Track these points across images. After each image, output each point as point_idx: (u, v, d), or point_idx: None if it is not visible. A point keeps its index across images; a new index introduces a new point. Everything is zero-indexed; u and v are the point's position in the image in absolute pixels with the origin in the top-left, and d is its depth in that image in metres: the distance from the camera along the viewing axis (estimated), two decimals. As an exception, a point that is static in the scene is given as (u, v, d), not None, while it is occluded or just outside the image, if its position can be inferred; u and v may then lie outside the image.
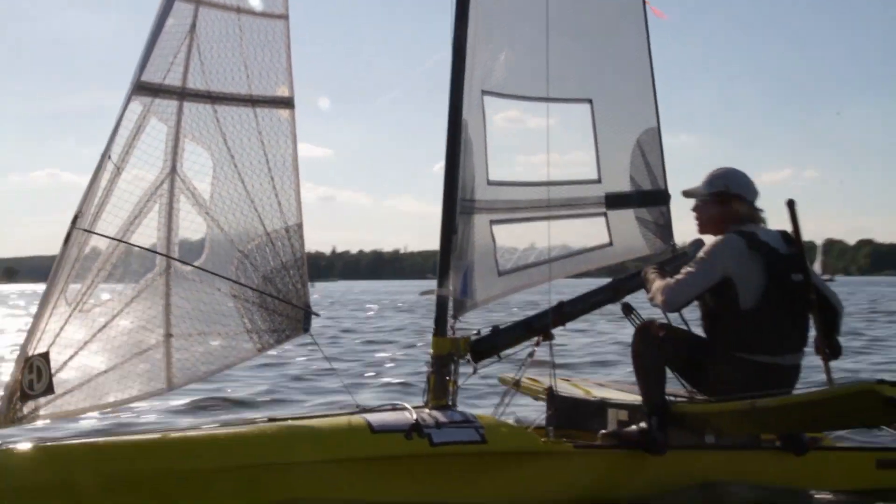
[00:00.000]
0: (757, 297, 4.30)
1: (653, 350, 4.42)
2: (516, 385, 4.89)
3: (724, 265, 4.33)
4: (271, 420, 4.29)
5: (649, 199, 5.31)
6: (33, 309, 4.08)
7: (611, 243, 5.22)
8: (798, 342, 4.42)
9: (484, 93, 4.63)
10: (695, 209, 4.64)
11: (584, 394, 5.22)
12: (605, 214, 5.18)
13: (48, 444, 3.84)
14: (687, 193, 4.70)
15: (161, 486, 3.72)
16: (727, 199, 4.50)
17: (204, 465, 3.77)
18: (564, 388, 5.20)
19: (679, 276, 4.40)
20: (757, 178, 4.62)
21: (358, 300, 43.01)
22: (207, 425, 4.85)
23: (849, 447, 5.02)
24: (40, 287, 4.48)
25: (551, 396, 4.75)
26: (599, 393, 5.20)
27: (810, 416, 4.23)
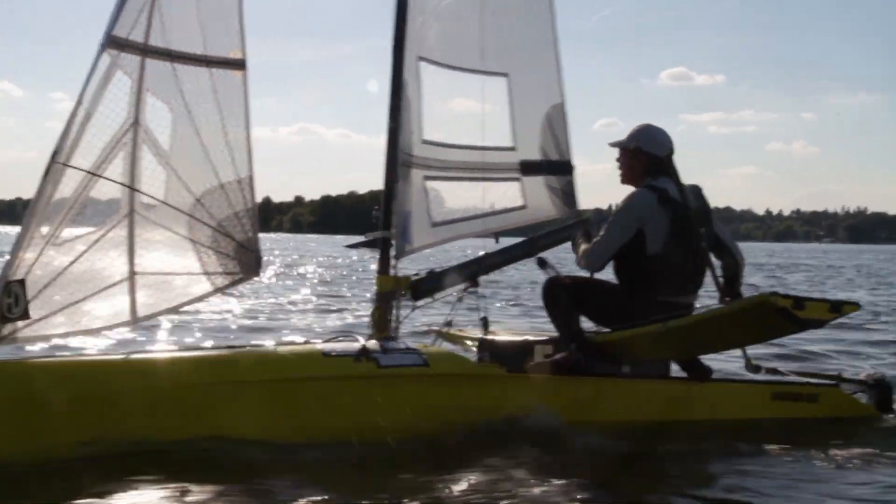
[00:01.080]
0: (661, 244, 4.88)
1: (561, 294, 4.98)
2: (448, 325, 5.34)
3: (638, 218, 4.91)
4: (229, 347, 4.61)
5: (556, 168, 5.85)
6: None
7: (525, 206, 5.74)
8: (694, 285, 5.04)
9: (419, 58, 5.10)
10: (618, 160, 5.23)
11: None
12: (520, 179, 5.72)
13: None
14: (612, 144, 5.29)
15: (120, 406, 4.00)
16: (637, 154, 5.10)
17: (164, 384, 4.07)
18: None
19: (598, 238, 4.96)
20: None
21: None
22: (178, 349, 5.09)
23: (747, 380, 5.51)
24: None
25: (482, 339, 5.23)
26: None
27: (717, 333, 4.74)
